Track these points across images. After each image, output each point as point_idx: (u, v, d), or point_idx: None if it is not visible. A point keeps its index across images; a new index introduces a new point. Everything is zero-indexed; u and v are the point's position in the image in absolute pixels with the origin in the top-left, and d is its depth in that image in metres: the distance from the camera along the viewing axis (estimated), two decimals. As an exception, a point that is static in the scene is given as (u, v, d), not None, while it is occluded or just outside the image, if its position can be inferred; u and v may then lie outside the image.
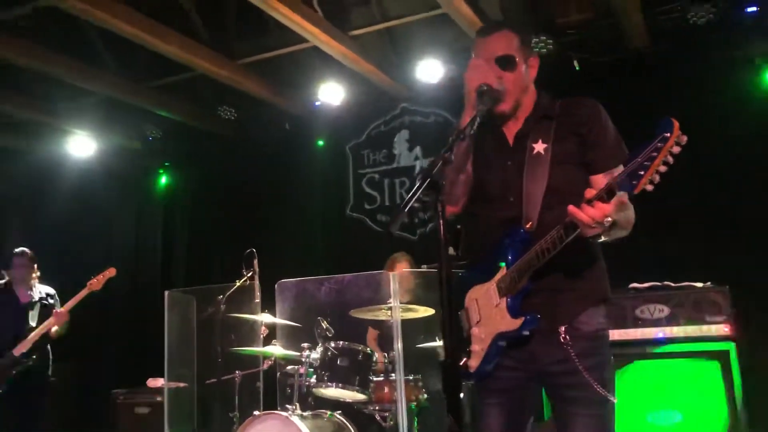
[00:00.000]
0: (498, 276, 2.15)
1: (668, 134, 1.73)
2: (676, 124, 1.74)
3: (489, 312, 2.17)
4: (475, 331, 2.20)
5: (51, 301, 5.42)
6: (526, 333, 2.09)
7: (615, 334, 4.29)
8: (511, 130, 2.25)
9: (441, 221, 1.70)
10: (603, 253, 2.24)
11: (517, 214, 2.14)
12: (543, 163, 2.13)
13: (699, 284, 4.25)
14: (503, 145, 2.25)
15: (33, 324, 5.18)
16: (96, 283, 5.31)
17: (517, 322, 2.08)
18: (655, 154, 1.74)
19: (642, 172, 1.75)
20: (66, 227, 7.86)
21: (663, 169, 1.75)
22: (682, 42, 5.34)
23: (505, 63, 2.16)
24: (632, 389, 4.16)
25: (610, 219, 1.84)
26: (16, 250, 5.44)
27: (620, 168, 1.98)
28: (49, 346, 5.32)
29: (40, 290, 5.42)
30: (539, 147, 2.15)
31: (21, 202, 8.23)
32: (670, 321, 4.23)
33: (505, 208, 2.19)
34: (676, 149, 1.74)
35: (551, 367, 2.11)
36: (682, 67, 5.36)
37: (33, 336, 5.08)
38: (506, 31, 2.22)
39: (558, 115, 2.19)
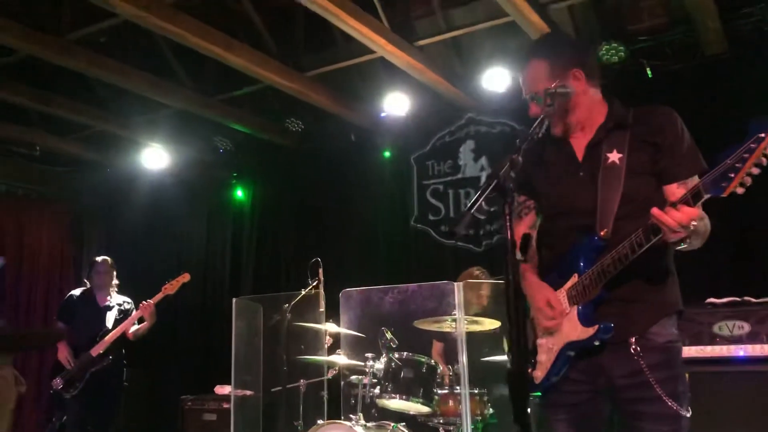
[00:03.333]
0: (569, 284, 2.10)
1: (763, 135, 1.65)
2: None
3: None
4: (542, 341, 2.15)
5: (128, 306, 5.61)
6: (598, 342, 2.02)
7: (691, 351, 4.11)
8: (579, 141, 2.21)
9: (508, 224, 1.66)
10: (678, 267, 2.16)
11: (588, 223, 2.09)
12: (617, 173, 2.08)
13: (783, 300, 4.03)
14: (572, 157, 2.20)
15: (110, 326, 5.37)
16: (171, 287, 5.47)
17: (590, 331, 2.02)
18: (747, 155, 1.67)
19: (732, 174, 1.69)
20: (140, 237, 8.15)
21: (756, 171, 1.69)
22: (761, 48, 5.12)
23: (537, 100, 2.16)
24: (710, 410, 3.96)
25: (695, 223, 1.79)
26: (98, 258, 5.70)
27: (695, 179, 1.97)
28: (123, 351, 5.49)
29: (118, 298, 5.63)
30: (614, 156, 2.10)
31: (101, 214, 8.60)
32: (752, 338, 4.02)
33: (577, 218, 2.14)
34: None
35: (621, 381, 2.03)
36: (761, 73, 5.12)
37: (110, 337, 5.27)
38: (533, 62, 2.20)
39: (632, 124, 2.13)
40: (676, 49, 5.41)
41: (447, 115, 6.56)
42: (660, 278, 2.09)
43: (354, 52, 5.81)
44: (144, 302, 5.32)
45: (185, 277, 5.55)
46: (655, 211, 1.82)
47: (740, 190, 1.71)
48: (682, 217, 1.78)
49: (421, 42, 5.61)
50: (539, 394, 2.18)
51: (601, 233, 2.05)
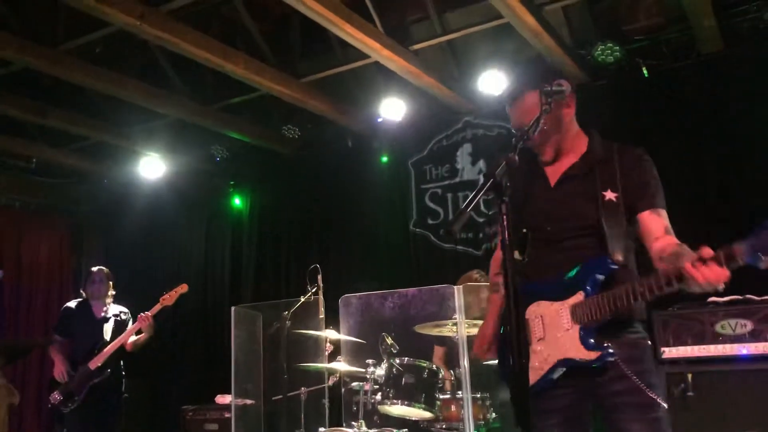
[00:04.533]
0: (573, 300, 2.13)
1: None
2: None
3: (557, 333, 2.15)
4: (536, 347, 2.18)
5: (124, 317, 5.56)
6: (599, 365, 2.07)
7: (694, 350, 4.09)
8: (554, 169, 2.30)
9: (504, 223, 1.64)
10: None
11: (555, 239, 2.22)
12: (617, 207, 2.16)
13: (785, 298, 4.01)
14: (544, 182, 2.31)
15: (108, 339, 5.33)
16: (169, 298, 5.42)
17: (592, 355, 2.07)
18: None
19: None
20: (139, 247, 8.14)
21: None
22: (757, 45, 5.11)
23: (528, 131, 2.14)
24: (713, 408, 3.93)
25: (723, 286, 1.80)
26: (95, 268, 5.65)
27: (664, 212, 2.13)
28: (122, 363, 5.46)
29: (115, 308, 5.59)
30: (610, 195, 2.17)
31: (99, 224, 8.60)
32: (754, 337, 3.99)
33: (546, 236, 2.27)
34: None
35: (600, 378, 2.10)
36: (758, 71, 5.11)
37: (108, 349, 5.23)
38: (523, 96, 2.28)
39: (618, 165, 2.22)
40: (672, 48, 5.41)
41: (444, 119, 6.55)
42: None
43: (349, 57, 5.81)
44: (142, 314, 5.28)
45: (183, 288, 5.51)
46: (687, 266, 1.81)
47: None
48: (712, 277, 1.78)
49: (416, 46, 5.61)
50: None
51: (617, 257, 2.10)
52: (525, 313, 2.24)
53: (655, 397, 2.05)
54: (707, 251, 1.80)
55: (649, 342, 2.21)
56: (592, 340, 2.08)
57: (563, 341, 2.12)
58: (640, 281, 1.97)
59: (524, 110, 2.24)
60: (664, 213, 2.16)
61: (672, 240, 2.09)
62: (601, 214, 2.14)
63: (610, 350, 2.05)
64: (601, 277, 2.10)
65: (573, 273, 2.16)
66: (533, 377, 2.15)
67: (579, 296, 2.11)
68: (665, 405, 2.07)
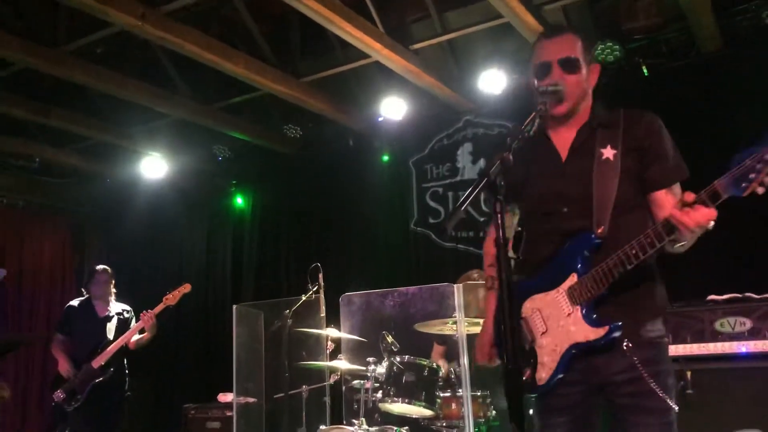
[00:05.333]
0: (568, 283, 2.09)
1: None
2: None
3: (558, 322, 2.10)
4: (542, 342, 2.14)
5: (127, 315, 5.59)
6: (607, 342, 2.02)
7: (693, 348, 4.10)
8: (563, 140, 2.21)
9: (499, 222, 1.65)
10: (678, 264, 2.20)
11: (572, 226, 2.11)
12: (612, 169, 2.10)
13: (784, 296, 4.02)
14: (554, 157, 2.21)
15: (111, 337, 5.36)
16: (172, 298, 5.44)
17: (601, 332, 2.02)
18: None
19: (753, 175, 1.70)
20: (141, 246, 8.17)
21: None
22: (756, 44, 5.12)
23: (568, 65, 2.15)
24: (713, 406, 3.94)
25: (713, 223, 1.82)
26: (98, 267, 5.65)
27: (678, 187, 2.06)
28: (125, 362, 5.48)
29: (117, 306, 5.61)
30: (608, 153, 2.12)
31: (101, 224, 8.63)
32: (753, 335, 4.00)
33: (557, 220, 2.15)
34: None
35: (615, 377, 2.05)
36: (757, 70, 5.12)
37: (111, 348, 5.25)
38: (570, 34, 2.21)
39: (624, 126, 2.15)
40: (672, 48, 5.43)
41: (444, 118, 6.57)
42: (649, 279, 2.12)
43: (350, 56, 5.83)
44: (145, 312, 5.30)
45: (186, 288, 5.53)
46: (673, 211, 1.84)
47: (760, 190, 1.72)
48: (700, 217, 1.80)
49: (417, 45, 5.62)
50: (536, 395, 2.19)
51: (598, 231, 2.06)
52: (521, 311, 2.20)
53: (668, 402, 2.01)
54: (690, 195, 1.83)
55: (667, 339, 2.15)
56: (596, 316, 2.04)
57: (567, 327, 2.08)
58: (631, 243, 1.94)
59: (563, 44, 2.16)
60: (677, 189, 2.10)
61: None
62: (593, 179, 2.10)
63: (618, 323, 2.00)
64: (587, 253, 2.06)
65: (558, 257, 2.13)
66: (545, 374, 2.12)
67: (572, 278, 2.08)
68: (676, 408, 2.03)
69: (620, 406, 2.07)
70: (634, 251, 1.94)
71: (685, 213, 1.81)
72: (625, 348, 2.04)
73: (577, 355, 2.07)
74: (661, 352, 2.11)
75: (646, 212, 2.14)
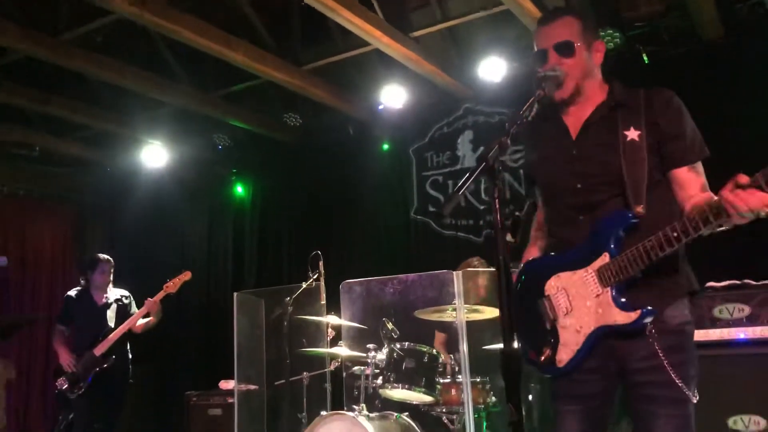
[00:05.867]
0: (599, 263, 2.00)
1: None
2: None
3: (585, 302, 2.03)
4: (566, 322, 2.07)
5: (126, 301, 5.61)
6: (639, 327, 1.95)
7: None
8: (574, 119, 2.19)
9: (497, 206, 1.66)
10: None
11: (588, 201, 2.08)
12: (639, 149, 2.03)
13: (783, 282, 4.03)
14: (565, 135, 2.19)
15: (111, 325, 5.39)
16: (172, 285, 5.46)
17: (633, 316, 1.94)
18: None
19: None
20: (142, 235, 8.19)
21: None
22: (757, 31, 5.11)
23: (564, 49, 2.14)
24: (711, 393, 3.96)
25: (765, 212, 1.71)
26: (100, 256, 5.62)
27: (700, 165, 2.00)
28: (129, 348, 5.52)
29: (115, 292, 5.63)
30: (632, 134, 2.05)
31: (102, 213, 8.64)
32: (752, 321, 4.02)
33: (572, 196, 2.12)
34: None
35: (635, 364, 2.00)
36: (758, 57, 5.11)
37: (113, 336, 5.28)
38: (566, 17, 2.20)
39: (644, 105, 2.10)
40: (673, 35, 5.41)
41: (444, 106, 6.57)
42: (674, 260, 2.03)
43: (350, 44, 5.82)
44: (148, 300, 5.33)
45: (186, 276, 5.55)
46: (725, 193, 1.72)
47: None
48: (754, 201, 1.68)
49: (417, 33, 5.61)
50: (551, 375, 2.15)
51: (637, 209, 1.97)
52: (543, 289, 2.14)
53: (687, 393, 1.94)
54: (743, 177, 1.70)
55: (692, 325, 2.05)
56: (625, 300, 1.95)
57: (595, 308, 1.99)
58: (672, 225, 1.83)
59: (560, 28, 2.15)
60: (700, 168, 2.03)
61: (708, 195, 1.97)
62: (622, 160, 2.02)
63: (650, 307, 1.92)
64: (622, 233, 1.97)
65: (591, 235, 2.04)
66: (565, 355, 2.05)
67: (605, 258, 1.98)
68: (695, 399, 1.95)
69: (637, 396, 2.01)
70: (675, 234, 1.83)
71: (737, 195, 1.69)
72: (648, 334, 1.97)
73: (601, 338, 2.01)
74: (685, 338, 2.02)
75: (670, 192, 2.08)
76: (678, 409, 1.95)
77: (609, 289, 1.98)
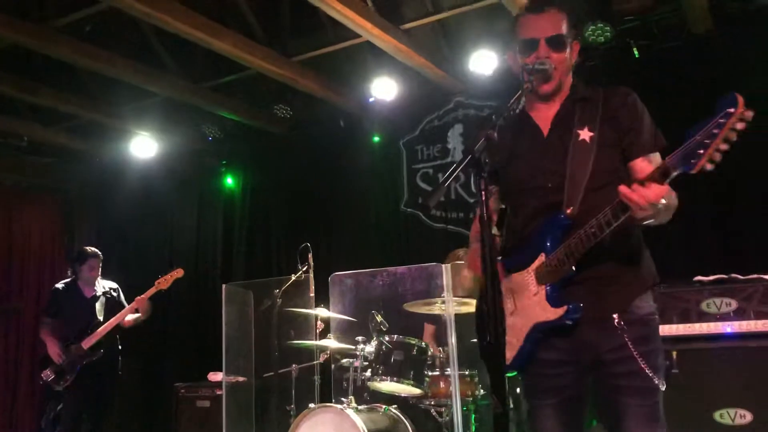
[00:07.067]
0: (536, 264, 2.09)
1: (732, 110, 1.66)
2: (741, 99, 1.67)
3: (526, 302, 2.11)
4: (510, 322, 2.14)
5: (114, 294, 5.59)
6: (569, 323, 2.02)
7: (679, 329, 4.14)
8: (544, 116, 2.20)
9: (483, 199, 1.66)
10: (665, 245, 2.17)
11: (555, 200, 2.09)
12: (587, 150, 2.08)
13: (769, 276, 4.05)
14: (537, 133, 2.20)
15: (100, 318, 5.36)
16: (164, 282, 5.47)
17: (559, 312, 2.02)
18: (716, 131, 1.67)
19: (702, 151, 1.68)
20: (131, 226, 8.15)
21: (725, 147, 1.68)
22: (747, 25, 5.11)
23: (556, 43, 2.13)
24: (698, 386, 3.99)
25: (664, 201, 1.79)
26: (89, 250, 5.61)
27: (657, 156, 2.02)
28: (118, 341, 5.49)
29: (103, 285, 5.60)
30: (585, 134, 2.10)
31: (91, 204, 8.58)
32: (739, 315, 4.05)
33: (542, 195, 2.14)
34: (741, 125, 1.67)
35: (606, 356, 2.04)
36: (748, 51, 5.12)
37: (102, 330, 5.26)
38: (556, 10, 2.18)
39: (602, 102, 2.14)
40: (663, 29, 5.40)
41: (435, 99, 6.55)
42: (633, 254, 2.10)
43: (340, 36, 5.79)
44: (138, 297, 5.32)
45: (179, 273, 5.55)
46: (622, 188, 1.80)
47: (709, 167, 1.70)
48: (650, 194, 1.77)
49: (407, 25, 5.59)
50: (515, 374, 2.19)
51: (567, 211, 2.04)
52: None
53: (657, 382, 2.00)
54: (642, 172, 1.84)
55: (657, 316, 2.12)
56: (557, 297, 2.02)
57: (531, 307, 2.07)
58: (590, 222, 1.93)
59: (549, 21, 2.13)
60: (656, 158, 2.08)
61: None
62: (567, 160, 2.08)
63: (578, 304, 1.99)
64: (558, 233, 2.04)
65: (536, 236, 2.11)
66: (510, 353, 2.11)
67: (541, 258, 2.07)
68: (663, 387, 2.02)
69: (609, 386, 2.06)
70: (592, 230, 1.92)
71: (633, 190, 1.78)
72: (616, 325, 2.02)
73: (553, 335, 2.06)
74: (652, 329, 2.09)
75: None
76: (648, 399, 2.00)
77: (544, 287, 2.06)
